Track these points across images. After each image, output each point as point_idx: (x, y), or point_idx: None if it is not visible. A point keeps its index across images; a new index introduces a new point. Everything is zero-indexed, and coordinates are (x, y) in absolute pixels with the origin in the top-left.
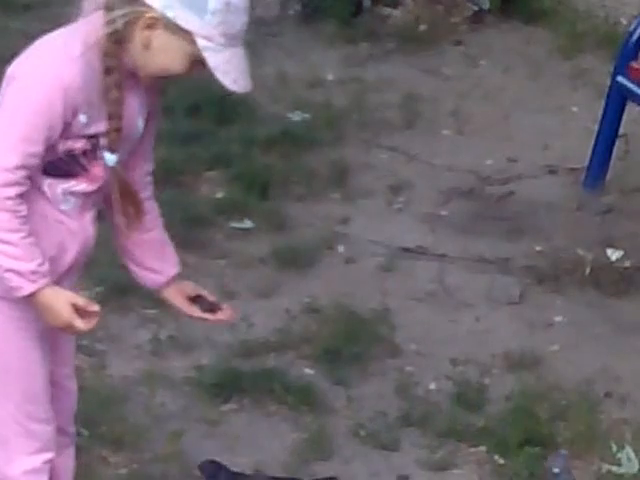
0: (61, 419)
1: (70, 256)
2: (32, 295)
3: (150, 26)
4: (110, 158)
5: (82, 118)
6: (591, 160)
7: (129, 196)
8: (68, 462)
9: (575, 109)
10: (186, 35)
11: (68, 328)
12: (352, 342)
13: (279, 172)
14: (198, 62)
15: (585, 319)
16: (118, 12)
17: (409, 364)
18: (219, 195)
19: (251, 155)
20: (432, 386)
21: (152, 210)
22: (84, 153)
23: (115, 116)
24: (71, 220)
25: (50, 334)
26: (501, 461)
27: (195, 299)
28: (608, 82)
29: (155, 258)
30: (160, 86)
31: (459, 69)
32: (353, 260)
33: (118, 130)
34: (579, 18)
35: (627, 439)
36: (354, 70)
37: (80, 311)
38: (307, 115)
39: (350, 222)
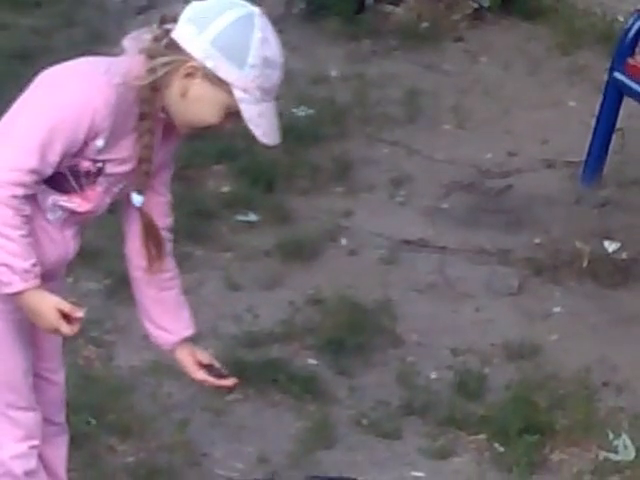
0: (48, 410)
1: (48, 263)
2: (19, 294)
3: (189, 75)
4: (137, 199)
5: (99, 143)
6: (588, 154)
7: (153, 236)
8: (59, 451)
9: (573, 104)
10: (224, 86)
11: (53, 332)
12: (355, 333)
13: (284, 166)
14: (231, 114)
15: (583, 309)
16: (160, 60)
17: (411, 354)
18: (225, 189)
19: (256, 150)
20: (433, 375)
21: (171, 268)
22: (86, 174)
23: (145, 160)
24: (54, 229)
25: (32, 328)
26: (501, 449)
27: (205, 366)
28: (605, 78)
29: (169, 318)
30: (182, 138)
31: (460, 65)
32: (356, 252)
33: (147, 173)
34: (577, 15)
35: (624, 427)
36: (357, 66)
37: (66, 316)
38: (311, 110)
39: (353, 215)
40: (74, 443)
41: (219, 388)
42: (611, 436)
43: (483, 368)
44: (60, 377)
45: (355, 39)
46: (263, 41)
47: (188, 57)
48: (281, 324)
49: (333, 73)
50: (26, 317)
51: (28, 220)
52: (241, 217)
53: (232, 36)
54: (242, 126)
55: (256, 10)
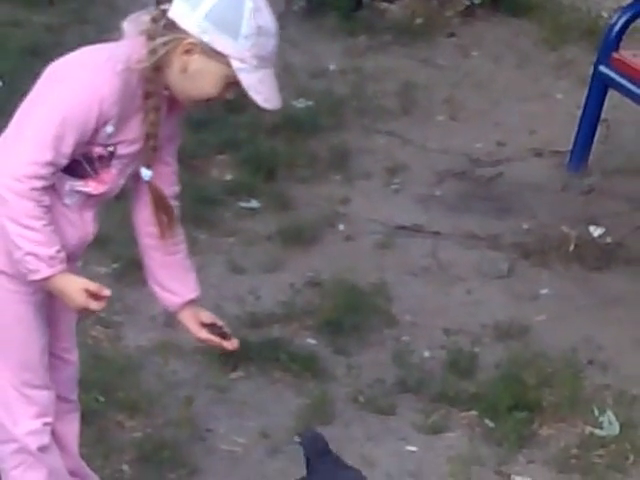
0: (62, 388)
1: (70, 246)
2: (46, 279)
3: (188, 51)
4: (147, 173)
5: (109, 129)
6: (574, 144)
7: (162, 205)
8: (72, 427)
9: (560, 96)
10: (221, 58)
11: (82, 310)
12: (352, 314)
13: (284, 156)
14: (231, 84)
15: (569, 292)
16: (159, 40)
17: (405, 334)
18: (228, 177)
19: (258, 140)
20: (426, 354)
21: (177, 234)
22: (100, 158)
23: (152, 136)
24: (72, 213)
25: (49, 309)
26: (491, 425)
27: (208, 326)
28: (591, 71)
29: (176, 281)
30: (185, 111)
31: (452, 59)
32: (353, 238)
33: (155, 149)
34: (563, 11)
35: (608, 404)
36: (354, 61)
37: (92, 294)
38: (310, 102)
39: (350, 202)
40: (84, 420)
41: (222, 350)
42: (596, 412)
43: (474, 347)
44: (74, 356)
45: (352, 35)
46: (255, 10)
47: (185, 34)
48: (282, 305)
49: (331, 67)
50: (44, 298)
51: (48, 210)
52: (243, 204)
53: (224, 9)
54: (245, 119)
55: None
